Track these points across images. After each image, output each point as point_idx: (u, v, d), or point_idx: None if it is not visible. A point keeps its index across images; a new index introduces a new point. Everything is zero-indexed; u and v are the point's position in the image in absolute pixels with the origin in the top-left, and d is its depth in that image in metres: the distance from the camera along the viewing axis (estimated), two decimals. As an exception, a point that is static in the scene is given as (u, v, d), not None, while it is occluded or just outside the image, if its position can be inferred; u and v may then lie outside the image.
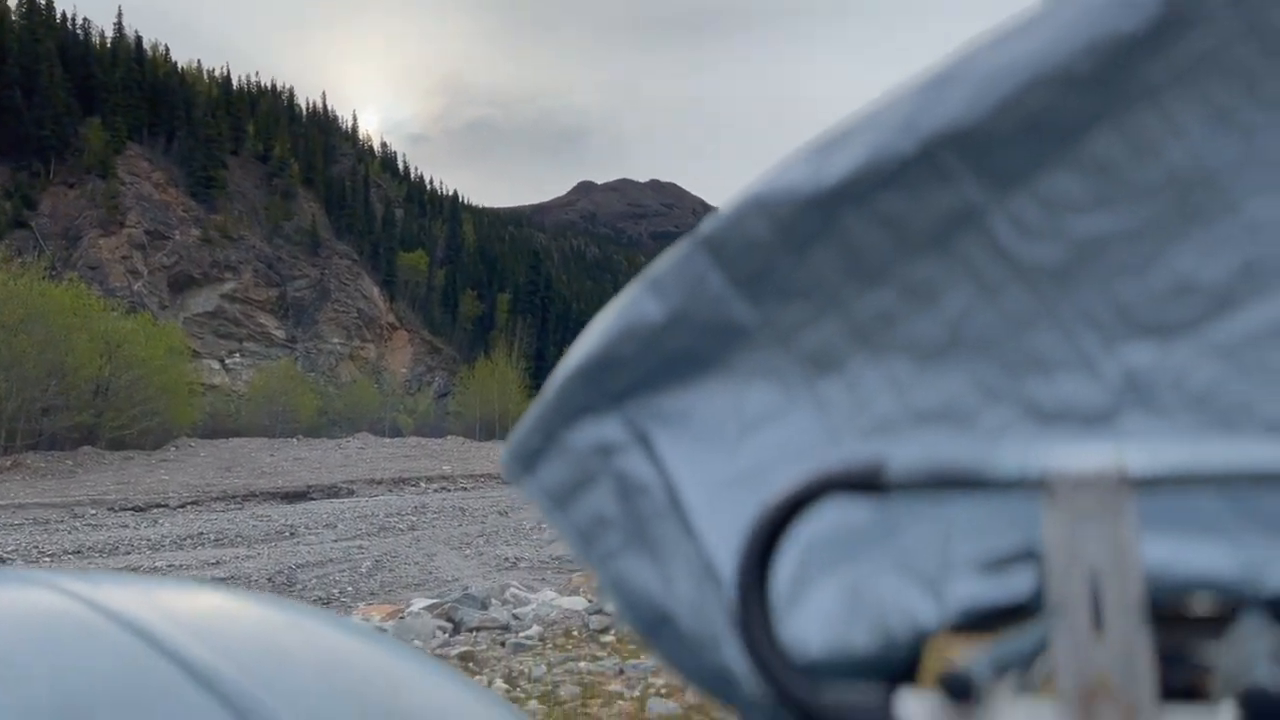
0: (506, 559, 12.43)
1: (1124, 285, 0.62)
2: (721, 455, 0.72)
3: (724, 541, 0.68)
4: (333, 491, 24.64)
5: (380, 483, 26.62)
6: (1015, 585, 0.56)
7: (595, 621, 7.12)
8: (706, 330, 0.73)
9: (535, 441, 0.78)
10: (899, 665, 0.59)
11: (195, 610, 1.01)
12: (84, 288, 40.20)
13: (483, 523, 16.94)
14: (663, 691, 5.36)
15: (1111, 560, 0.33)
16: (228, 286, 76.34)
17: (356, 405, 61.58)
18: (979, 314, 0.66)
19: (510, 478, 0.79)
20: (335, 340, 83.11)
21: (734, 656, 0.65)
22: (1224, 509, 0.55)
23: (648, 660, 6.02)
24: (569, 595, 8.31)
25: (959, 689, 0.34)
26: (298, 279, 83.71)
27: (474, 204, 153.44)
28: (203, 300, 74.18)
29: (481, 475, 29.29)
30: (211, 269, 75.51)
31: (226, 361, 72.12)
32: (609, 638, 6.75)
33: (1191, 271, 0.61)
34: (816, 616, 0.61)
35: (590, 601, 7.86)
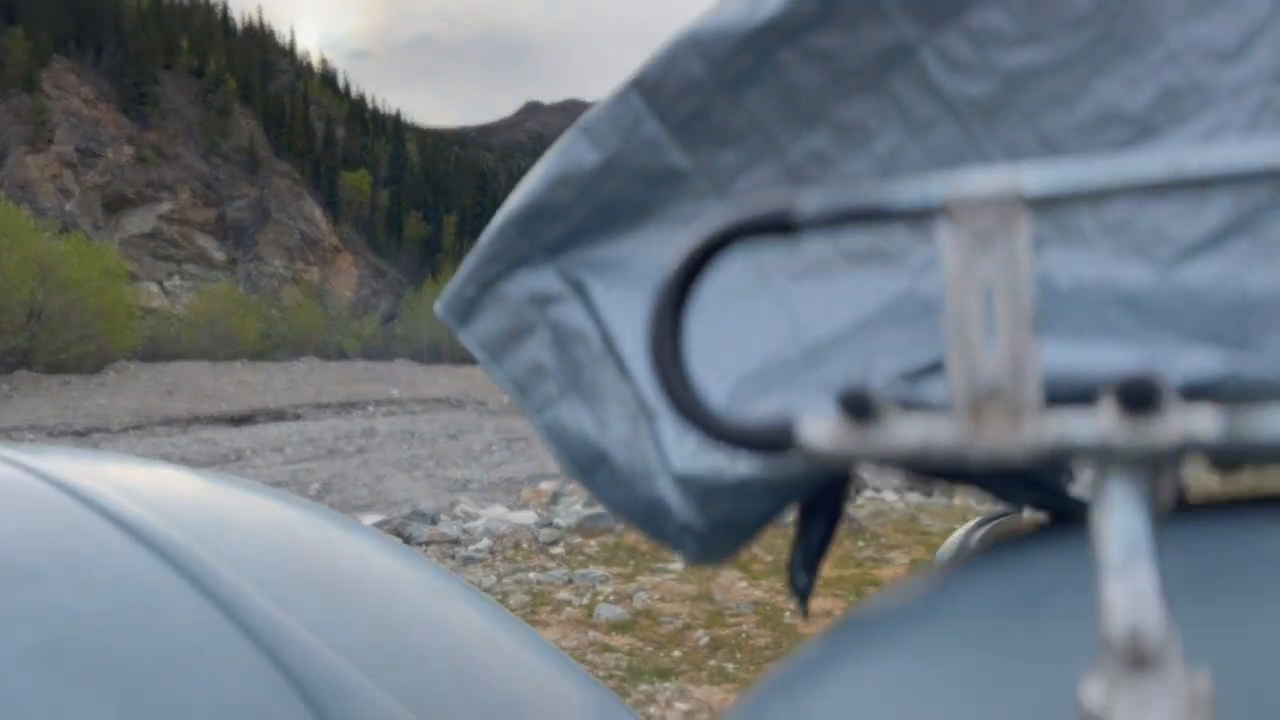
0: (456, 481, 12.47)
1: (1049, 117, 0.63)
2: None
3: None
4: (278, 415, 24.40)
5: (327, 406, 26.42)
6: (929, 391, 0.58)
7: (545, 535, 7.21)
8: (641, 177, 0.73)
9: (470, 291, 0.78)
10: (816, 474, 0.62)
11: (129, 475, 1.01)
12: (13, 207, 38.80)
13: (432, 446, 16.93)
14: (610, 598, 5.48)
15: (1006, 275, 0.35)
16: (164, 207, 74.20)
17: (301, 329, 60.70)
18: (908, 151, 0.66)
19: (447, 326, 0.80)
20: (277, 262, 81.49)
21: (666, 487, 0.67)
22: (1123, 314, 0.58)
23: (596, 570, 6.13)
24: (519, 510, 8.40)
25: (858, 407, 0.35)
26: (237, 200, 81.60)
27: (418, 124, 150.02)
28: (138, 221, 72.10)
29: (430, 399, 29.18)
30: (146, 189, 73.26)
31: (165, 284, 70.48)
32: (558, 549, 6.85)
33: (1115, 101, 0.62)
34: None
35: (540, 516, 7.95)
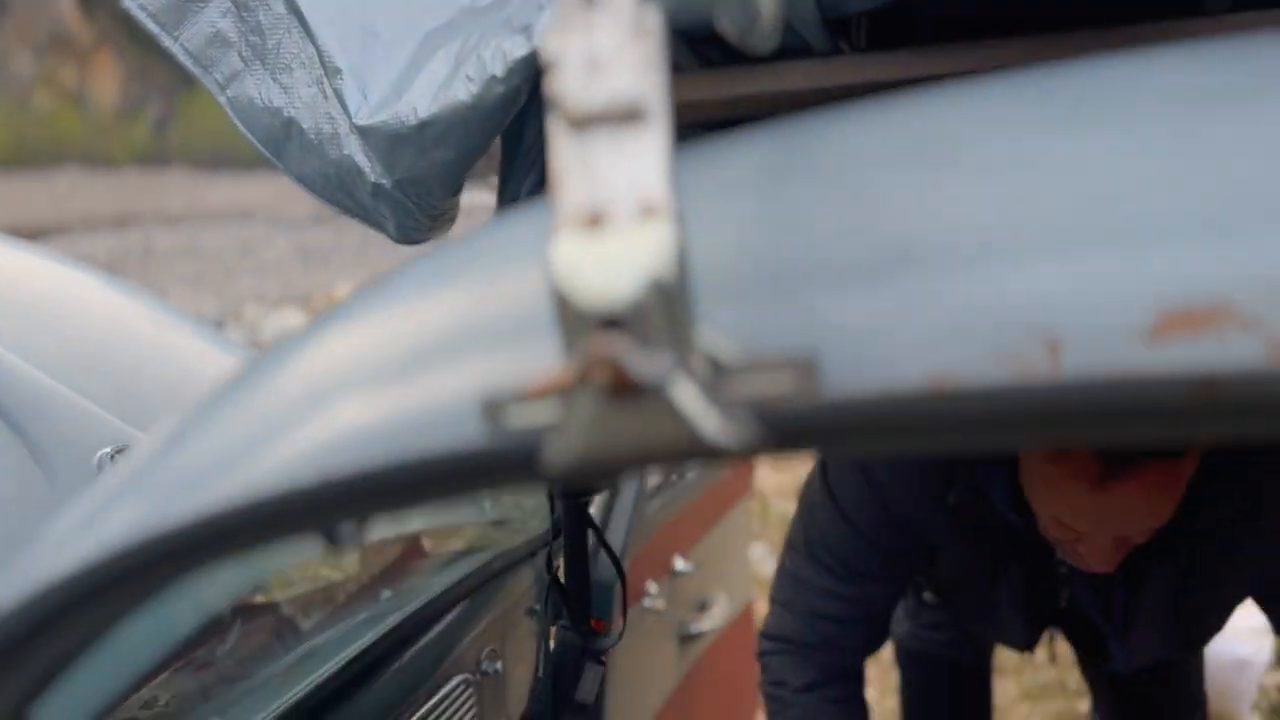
0: (247, 295, 11.92)
1: None
2: None
3: (342, 40, 0.66)
4: (41, 233, 22.33)
5: (99, 222, 24.32)
6: None
7: (341, 339, 7.07)
8: None
9: None
10: (495, 106, 0.61)
11: None
12: None
13: (219, 261, 16.00)
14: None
15: None
16: (-128, -7, 64.00)
17: (60, 136, 54.98)
18: None
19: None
20: (23, 62, 72.68)
21: (354, 146, 0.65)
22: None
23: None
24: (311, 316, 8.17)
25: None
26: (-35, -14, 71.28)
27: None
28: None
29: (215, 211, 27.34)
30: None
31: (-114, 85, 61.70)
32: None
33: None
34: (427, 84, 0.62)
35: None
